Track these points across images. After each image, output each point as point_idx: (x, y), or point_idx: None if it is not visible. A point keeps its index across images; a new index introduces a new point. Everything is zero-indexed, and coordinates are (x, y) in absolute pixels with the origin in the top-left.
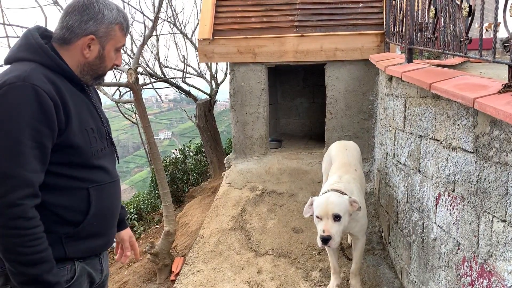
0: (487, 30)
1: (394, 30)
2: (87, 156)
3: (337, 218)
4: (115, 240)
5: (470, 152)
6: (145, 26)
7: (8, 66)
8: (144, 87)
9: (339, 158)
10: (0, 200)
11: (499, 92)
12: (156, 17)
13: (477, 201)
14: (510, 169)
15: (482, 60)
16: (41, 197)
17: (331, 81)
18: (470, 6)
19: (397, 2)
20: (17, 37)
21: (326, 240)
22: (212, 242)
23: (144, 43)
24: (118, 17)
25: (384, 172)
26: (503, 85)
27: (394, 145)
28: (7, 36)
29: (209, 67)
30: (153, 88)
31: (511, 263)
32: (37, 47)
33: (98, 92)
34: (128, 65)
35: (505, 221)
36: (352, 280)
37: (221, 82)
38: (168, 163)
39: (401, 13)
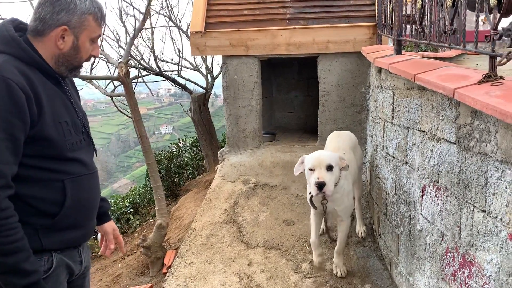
0: (483, 22)
1: (385, 22)
2: (62, 149)
3: (329, 168)
4: (98, 233)
5: (453, 143)
6: (135, 20)
7: None
8: (134, 80)
9: (330, 145)
10: None
11: (479, 82)
12: (147, 10)
13: (459, 192)
14: (489, 159)
15: (466, 51)
16: (15, 188)
17: (324, 73)
18: None
19: None
20: None
21: (321, 185)
22: (204, 235)
23: (134, 36)
24: (91, 7)
25: (374, 164)
26: (484, 75)
27: (383, 137)
28: None
29: (205, 61)
30: (144, 82)
31: (490, 253)
32: (10, 39)
33: (88, 85)
34: (118, 59)
35: (484, 211)
36: (336, 259)
37: (217, 76)
38: (163, 157)
39: (391, 4)
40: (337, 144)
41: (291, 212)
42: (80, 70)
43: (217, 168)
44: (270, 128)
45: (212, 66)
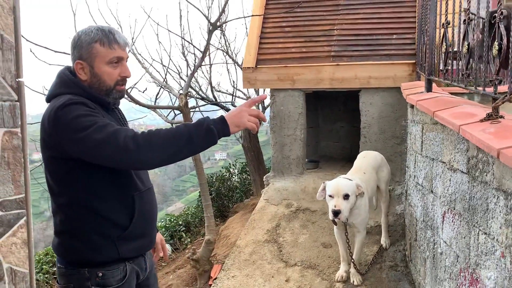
0: None
1: (421, 61)
2: None
3: (346, 197)
4: None
5: (465, 173)
6: (195, 57)
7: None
8: (192, 110)
9: (355, 164)
10: (126, 144)
11: (481, 120)
12: (205, 49)
13: (469, 217)
14: (489, 187)
15: (473, 91)
16: (95, 205)
17: (365, 106)
18: (468, 44)
19: (424, 35)
20: None
21: (336, 213)
22: (247, 252)
23: (193, 72)
24: (95, 36)
25: (408, 193)
26: (487, 114)
27: (415, 167)
28: None
29: (257, 92)
30: (200, 111)
31: (489, 270)
32: (69, 81)
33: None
34: (179, 90)
35: (486, 233)
36: (352, 269)
37: (268, 106)
38: (214, 180)
39: (425, 46)
40: (360, 164)
41: (329, 236)
42: (119, 92)
43: (262, 191)
44: (315, 156)
45: None
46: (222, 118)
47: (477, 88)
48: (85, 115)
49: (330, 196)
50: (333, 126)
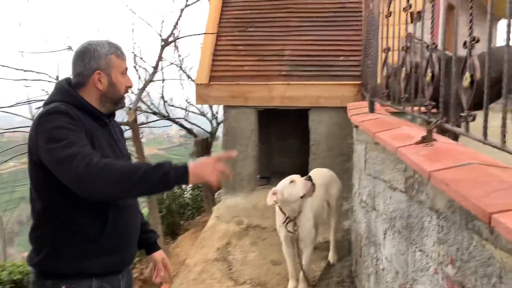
0: None
1: (366, 83)
2: None
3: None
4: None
5: (404, 192)
6: (146, 71)
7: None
8: (141, 126)
9: None
10: (78, 170)
11: (416, 143)
12: (156, 66)
13: (407, 234)
14: (424, 206)
15: (409, 114)
16: (65, 216)
17: (314, 124)
18: (406, 71)
19: (367, 58)
20: (34, 79)
21: (310, 177)
22: (196, 271)
23: (143, 88)
24: (110, 49)
25: (353, 210)
26: (421, 137)
27: (359, 185)
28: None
29: (211, 107)
30: (149, 127)
31: (425, 286)
32: (65, 91)
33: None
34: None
35: (421, 250)
36: (300, 284)
37: (222, 121)
38: (165, 197)
39: (368, 69)
40: None
41: (278, 253)
42: (123, 100)
43: (213, 209)
44: (267, 172)
45: (217, 112)
46: (184, 165)
47: (413, 112)
48: (62, 127)
49: (291, 181)
50: (285, 142)
